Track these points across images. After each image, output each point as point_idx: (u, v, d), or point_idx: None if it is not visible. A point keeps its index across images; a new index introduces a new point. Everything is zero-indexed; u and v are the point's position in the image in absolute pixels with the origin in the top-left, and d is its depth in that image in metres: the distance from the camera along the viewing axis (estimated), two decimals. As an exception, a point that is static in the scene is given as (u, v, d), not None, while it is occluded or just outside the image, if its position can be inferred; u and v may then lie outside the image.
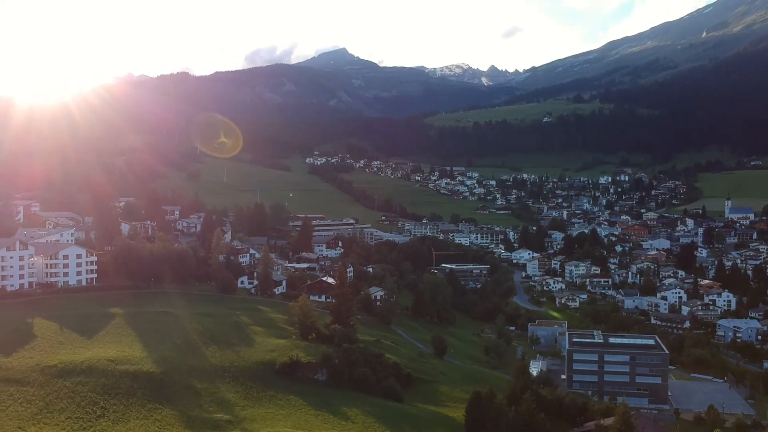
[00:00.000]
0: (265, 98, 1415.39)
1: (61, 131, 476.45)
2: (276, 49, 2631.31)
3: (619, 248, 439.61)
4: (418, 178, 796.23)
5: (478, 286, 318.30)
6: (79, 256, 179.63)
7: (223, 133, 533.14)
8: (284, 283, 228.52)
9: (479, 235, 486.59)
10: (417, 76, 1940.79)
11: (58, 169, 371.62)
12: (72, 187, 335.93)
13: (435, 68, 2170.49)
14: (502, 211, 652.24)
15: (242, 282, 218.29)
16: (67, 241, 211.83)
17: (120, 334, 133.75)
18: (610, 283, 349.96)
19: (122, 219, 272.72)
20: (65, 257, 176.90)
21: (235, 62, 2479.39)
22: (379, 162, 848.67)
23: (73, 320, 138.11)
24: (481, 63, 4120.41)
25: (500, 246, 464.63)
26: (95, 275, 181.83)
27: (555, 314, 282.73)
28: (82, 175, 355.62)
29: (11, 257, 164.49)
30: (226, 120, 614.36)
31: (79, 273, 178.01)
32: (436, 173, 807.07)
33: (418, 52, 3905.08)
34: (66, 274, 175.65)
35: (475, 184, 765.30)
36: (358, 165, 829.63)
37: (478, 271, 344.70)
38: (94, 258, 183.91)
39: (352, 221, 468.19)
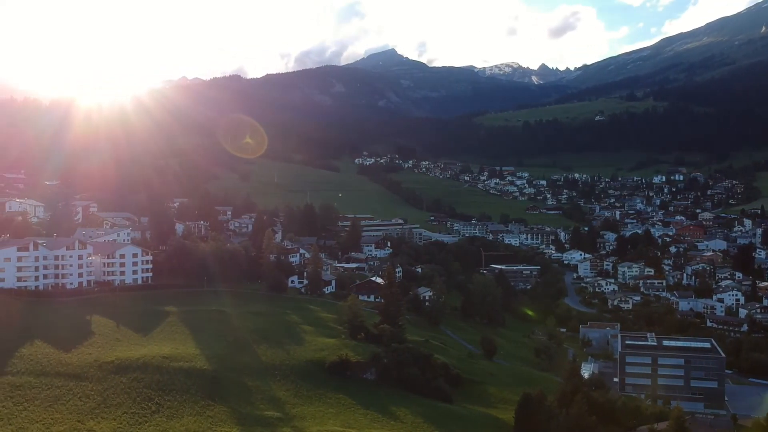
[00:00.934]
0: (315, 100, 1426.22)
1: (117, 133, 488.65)
2: (326, 51, 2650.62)
3: (673, 249, 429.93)
4: (467, 179, 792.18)
5: (529, 287, 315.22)
6: (135, 256, 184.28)
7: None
8: (333, 282, 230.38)
9: (529, 236, 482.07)
10: (466, 75, 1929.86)
11: (115, 171, 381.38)
12: (128, 188, 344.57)
13: (484, 68, 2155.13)
14: (552, 212, 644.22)
15: (292, 281, 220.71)
16: (124, 240, 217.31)
17: (174, 332, 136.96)
18: (664, 284, 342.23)
19: (176, 219, 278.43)
20: (122, 256, 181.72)
21: (286, 64, 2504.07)
22: (427, 162, 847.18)
23: (129, 318, 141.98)
24: (531, 62, 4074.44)
25: (551, 247, 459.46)
26: (150, 274, 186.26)
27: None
28: (138, 176, 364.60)
29: (70, 256, 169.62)
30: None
31: (135, 272, 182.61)
32: (486, 173, 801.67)
33: (468, 52, 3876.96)
34: (122, 273, 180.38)
35: (525, 184, 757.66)
36: (406, 165, 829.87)
37: (529, 272, 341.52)
38: (150, 257, 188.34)
39: (400, 221, 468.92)
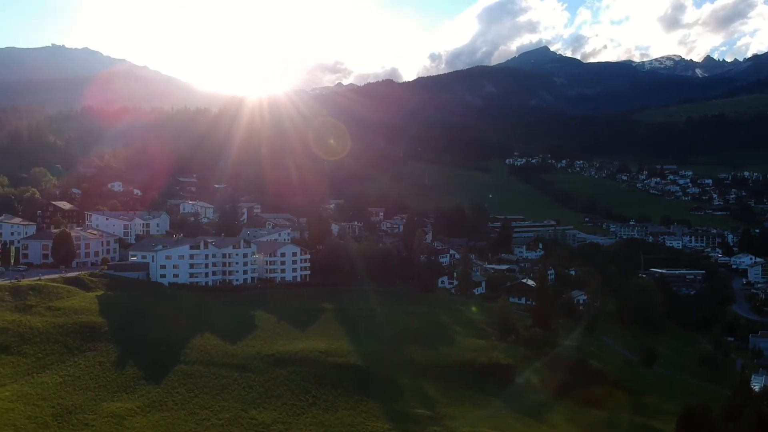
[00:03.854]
0: (466, 100, 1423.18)
1: (278, 139, 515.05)
2: (477, 51, 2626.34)
3: None
4: (625, 178, 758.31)
5: (692, 293, 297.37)
6: (294, 254, 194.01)
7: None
8: (483, 283, 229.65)
9: (693, 238, 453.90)
10: (623, 70, 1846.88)
11: (275, 174, 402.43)
12: (288, 190, 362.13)
13: (643, 62, 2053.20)
14: (719, 212, 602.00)
15: (442, 282, 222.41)
16: (284, 240, 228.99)
17: (330, 328, 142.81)
18: None
19: (332, 220, 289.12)
20: (282, 255, 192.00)
21: (437, 66, 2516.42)
22: (582, 162, 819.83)
23: (288, 313, 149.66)
24: (695, 54, 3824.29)
25: (717, 250, 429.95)
26: (308, 272, 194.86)
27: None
28: (297, 179, 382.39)
29: (236, 254, 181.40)
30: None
31: (294, 270, 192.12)
32: (645, 172, 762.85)
33: (626, 46, 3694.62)
34: (283, 271, 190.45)
35: (689, 183, 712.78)
36: (559, 165, 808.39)
37: (692, 277, 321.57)
38: (308, 256, 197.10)
39: (553, 222, 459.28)
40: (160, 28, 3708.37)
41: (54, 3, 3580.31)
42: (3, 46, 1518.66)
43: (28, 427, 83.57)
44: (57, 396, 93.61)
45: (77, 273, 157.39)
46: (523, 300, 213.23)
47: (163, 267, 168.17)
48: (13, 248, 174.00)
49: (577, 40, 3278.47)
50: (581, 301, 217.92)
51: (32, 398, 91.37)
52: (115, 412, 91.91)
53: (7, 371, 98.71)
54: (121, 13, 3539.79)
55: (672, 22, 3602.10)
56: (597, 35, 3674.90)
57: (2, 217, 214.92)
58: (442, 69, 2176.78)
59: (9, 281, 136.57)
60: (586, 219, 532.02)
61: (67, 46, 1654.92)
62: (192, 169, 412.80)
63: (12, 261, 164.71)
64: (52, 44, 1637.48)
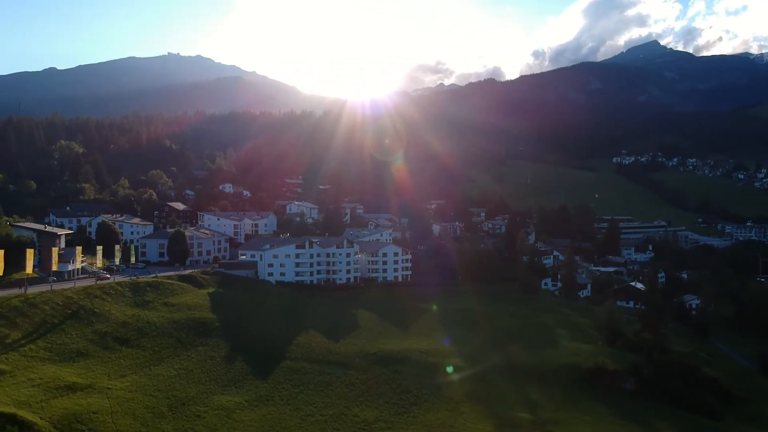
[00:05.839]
0: (570, 98, 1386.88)
1: (378, 139, 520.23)
2: (582, 47, 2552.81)
3: None
4: (742, 176, 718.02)
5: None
6: (395, 254, 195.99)
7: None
8: (589, 286, 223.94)
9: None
10: (740, 63, 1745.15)
11: (377, 174, 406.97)
12: (389, 191, 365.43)
13: (762, 53, 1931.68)
14: None
15: (545, 283, 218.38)
16: (386, 240, 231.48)
17: (431, 328, 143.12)
18: None
19: (433, 220, 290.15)
20: (384, 255, 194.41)
21: (541, 64, 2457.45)
22: (694, 160, 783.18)
23: (390, 312, 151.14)
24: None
25: None
26: (409, 272, 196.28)
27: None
28: (398, 180, 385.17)
29: (340, 254, 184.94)
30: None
31: (395, 269, 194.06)
32: (763, 170, 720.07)
33: (741, 37, 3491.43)
34: (384, 270, 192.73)
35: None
36: (670, 163, 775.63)
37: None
38: (409, 256, 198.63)
39: (663, 223, 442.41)
40: (266, 35, 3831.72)
41: (170, 14, 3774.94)
42: (125, 56, 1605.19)
43: (146, 416, 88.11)
44: (172, 388, 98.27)
45: (191, 271, 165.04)
46: (631, 304, 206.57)
47: (270, 266, 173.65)
48: (132, 247, 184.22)
49: (690, 33, 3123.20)
50: (694, 306, 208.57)
51: (149, 389, 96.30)
52: (225, 405, 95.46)
53: (127, 363, 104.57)
54: (231, 22, 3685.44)
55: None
56: (711, 27, 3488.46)
57: (123, 218, 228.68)
58: (546, 66, 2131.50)
59: (129, 278, 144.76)
60: (700, 220, 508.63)
61: (181, 54, 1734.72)
62: (297, 171, 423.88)
63: (132, 259, 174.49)
64: (168, 53, 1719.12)
